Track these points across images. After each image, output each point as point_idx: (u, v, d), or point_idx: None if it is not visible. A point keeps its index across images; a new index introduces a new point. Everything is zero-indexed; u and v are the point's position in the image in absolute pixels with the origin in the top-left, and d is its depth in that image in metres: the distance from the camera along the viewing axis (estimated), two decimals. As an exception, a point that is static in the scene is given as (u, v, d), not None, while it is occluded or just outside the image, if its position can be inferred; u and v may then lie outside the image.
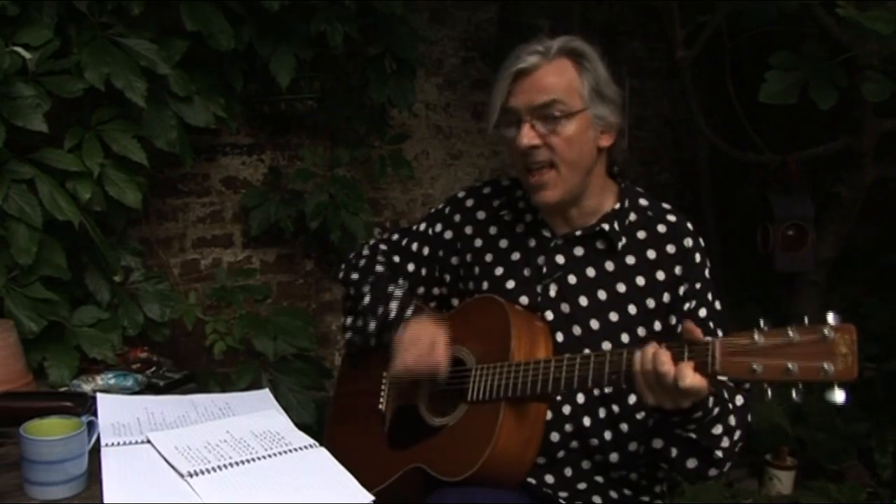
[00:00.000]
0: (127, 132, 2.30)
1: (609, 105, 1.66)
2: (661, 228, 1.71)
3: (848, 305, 3.72)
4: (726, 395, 1.56)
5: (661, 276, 1.68)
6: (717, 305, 1.70)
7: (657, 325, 1.67)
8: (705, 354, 1.39)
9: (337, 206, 2.98)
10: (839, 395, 1.31)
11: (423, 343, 1.70)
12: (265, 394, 1.88)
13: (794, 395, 1.35)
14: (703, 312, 1.67)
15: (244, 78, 2.75)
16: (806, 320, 1.34)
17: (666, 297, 1.67)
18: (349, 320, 1.93)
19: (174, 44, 2.40)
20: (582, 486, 1.68)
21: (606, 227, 1.70)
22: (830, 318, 1.33)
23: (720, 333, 1.65)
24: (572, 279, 1.71)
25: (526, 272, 1.74)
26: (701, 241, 1.72)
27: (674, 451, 1.58)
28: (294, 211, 3.04)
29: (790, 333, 1.32)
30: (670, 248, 1.69)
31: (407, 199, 3.50)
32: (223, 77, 2.68)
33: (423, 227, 1.93)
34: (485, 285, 1.78)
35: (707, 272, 1.70)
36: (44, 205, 2.12)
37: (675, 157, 4.30)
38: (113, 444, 1.54)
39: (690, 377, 1.38)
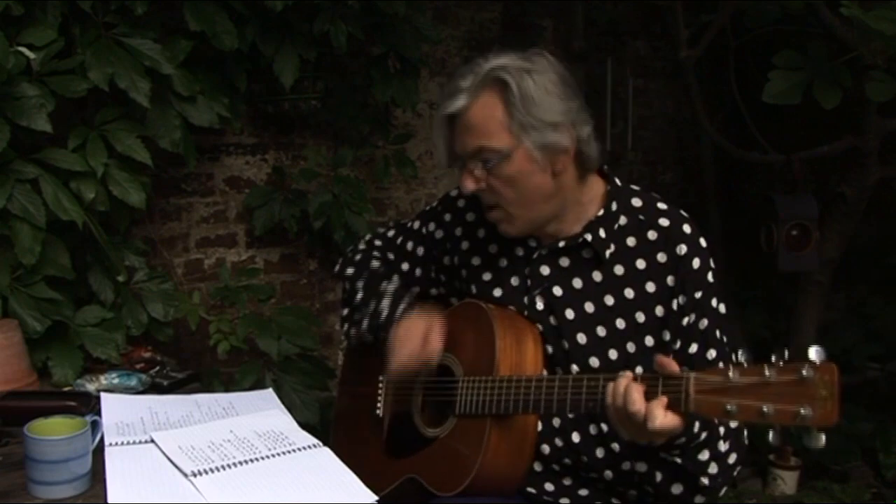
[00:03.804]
0: (131, 132, 2.31)
1: (554, 129, 1.52)
2: (652, 235, 1.60)
3: (852, 305, 3.73)
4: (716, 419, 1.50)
5: (651, 287, 1.58)
6: (722, 309, 1.59)
7: (648, 341, 1.57)
8: (679, 391, 1.31)
9: (340, 206, 2.98)
10: (819, 440, 1.23)
11: (416, 337, 1.65)
12: (269, 393, 1.88)
13: (770, 437, 1.28)
14: (703, 323, 1.56)
15: (248, 78, 2.75)
16: (786, 354, 1.25)
17: (659, 311, 1.57)
18: (345, 312, 1.91)
19: (178, 44, 2.40)
20: (584, 492, 1.65)
21: (590, 237, 1.60)
22: (813, 353, 1.23)
23: (725, 340, 1.59)
24: (558, 291, 1.62)
25: (513, 282, 1.68)
26: (701, 242, 1.60)
27: (658, 476, 1.53)
28: (298, 210, 3.04)
29: (767, 372, 1.23)
30: (661, 257, 1.58)
31: (410, 199, 3.50)
32: (227, 77, 2.68)
33: (416, 224, 1.88)
34: (473, 289, 1.73)
35: (710, 275, 1.58)
36: (48, 204, 2.12)
37: (679, 157, 4.29)
38: (117, 444, 1.55)
39: (661, 419, 1.31)
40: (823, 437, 1.23)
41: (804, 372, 1.21)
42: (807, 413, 1.21)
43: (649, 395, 1.34)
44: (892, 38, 2.51)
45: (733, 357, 1.30)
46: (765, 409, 1.23)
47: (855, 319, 3.71)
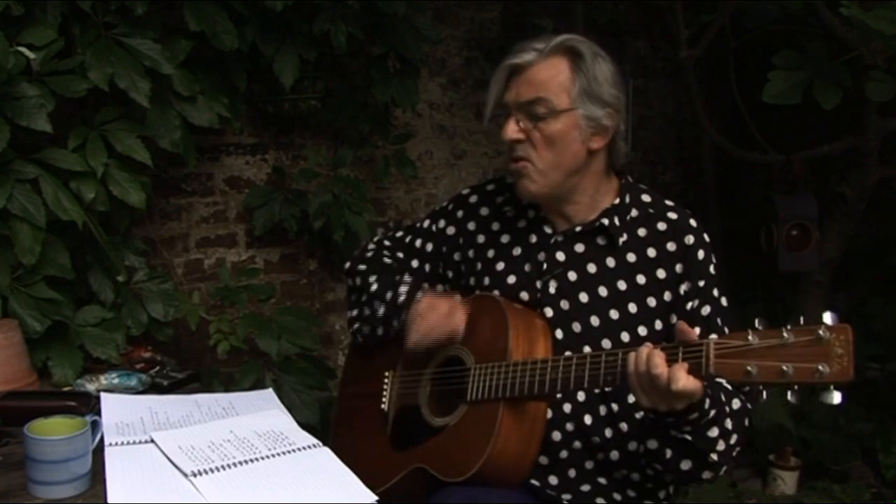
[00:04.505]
0: (131, 132, 2.31)
1: (603, 108, 1.64)
2: (662, 226, 1.69)
3: (852, 305, 3.73)
4: (723, 398, 1.54)
5: (661, 274, 1.66)
6: (724, 301, 1.68)
7: (658, 324, 1.65)
8: (699, 356, 1.38)
9: (340, 206, 2.98)
10: (835, 397, 1.30)
11: (441, 308, 1.71)
12: (269, 393, 1.88)
13: (789, 396, 1.34)
14: (706, 310, 1.65)
15: (248, 78, 2.75)
16: (802, 320, 1.33)
17: (667, 296, 1.65)
18: (355, 312, 1.93)
19: (178, 44, 2.40)
20: (585, 487, 1.67)
21: (606, 221, 1.69)
22: (827, 317, 1.30)
23: (726, 330, 1.64)
24: (572, 276, 1.69)
25: (527, 268, 1.74)
26: (705, 236, 1.70)
27: (668, 453, 1.57)
28: (298, 210, 3.04)
29: (785, 335, 1.31)
30: (671, 246, 1.67)
31: (410, 199, 3.50)
32: (227, 77, 2.68)
33: (426, 223, 1.93)
34: (486, 281, 1.78)
35: (712, 268, 1.68)
36: (48, 204, 2.12)
37: (679, 157, 4.29)
38: (117, 444, 1.55)
39: (683, 380, 1.37)
40: (839, 395, 1.30)
41: (820, 332, 1.28)
42: (824, 370, 1.27)
43: (670, 363, 1.40)
44: (892, 38, 2.51)
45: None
46: (784, 368, 1.30)
47: (855, 319, 3.69)
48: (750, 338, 1.34)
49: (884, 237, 3.69)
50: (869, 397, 3.58)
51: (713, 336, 1.58)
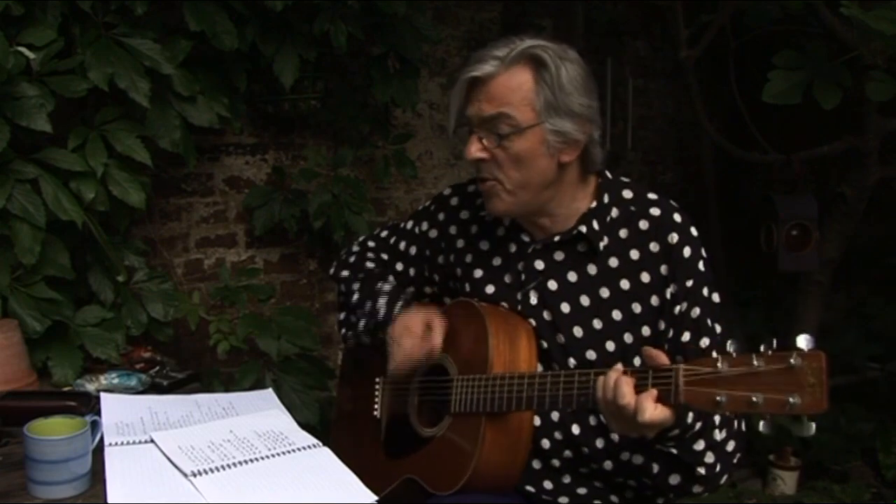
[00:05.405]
0: (131, 132, 2.31)
1: (572, 119, 1.53)
2: (644, 225, 1.60)
3: (852, 305, 3.73)
4: None
5: (646, 278, 1.58)
6: (715, 298, 1.59)
7: (646, 330, 1.57)
8: (668, 383, 1.31)
9: (340, 206, 2.98)
10: (809, 428, 1.22)
11: (416, 328, 1.66)
12: (269, 393, 1.88)
13: (761, 427, 1.27)
14: (695, 312, 1.55)
15: (248, 78, 2.75)
16: (774, 343, 1.25)
17: (654, 300, 1.57)
18: (342, 315, 1.91)
19: (178, 44, 2.40)
20: (582, 490, 1.65)
21: (584, 229, 1.60)
22: (801, 341, 1.22)
23: (718, 328, 1.58)
24: (553, 285, 1.63)
25: (506, 278, 1.68)
26: (692, 231, 1.60)
27: (655, 467, 1.54)
28: (297, 210, 3.04)
29: (755, 362, 1.24)
30: (654, 247, 1.58)
31: (410, 199, 3.50)
32: (227, 77, 2.68)
33: (410, 224, 1.88)
34: (467, 287, 1.73)
35: (701, 264, 1.58)
36: (47, 204, 2.12)
37: (679, 157, 4.30)
38: (116, 444, 1.55)
39: (650, 412, 1.31)
40: (813, 426, 1.22)
41: (792, 360, 1.21)
42: (795, 401, 1.20)
43: (639, 389, 1.34)
44: (892, 38, 2.51)
45: (726, 346, 1.30)
46: (754, 398, 1.23)
47: (855, 319, 3.71)
48: (719, 364, 1.27)
49: (884, 237, 3.69)
50: (869, 397, 3.58)
51: (704, 342, 1.55)
